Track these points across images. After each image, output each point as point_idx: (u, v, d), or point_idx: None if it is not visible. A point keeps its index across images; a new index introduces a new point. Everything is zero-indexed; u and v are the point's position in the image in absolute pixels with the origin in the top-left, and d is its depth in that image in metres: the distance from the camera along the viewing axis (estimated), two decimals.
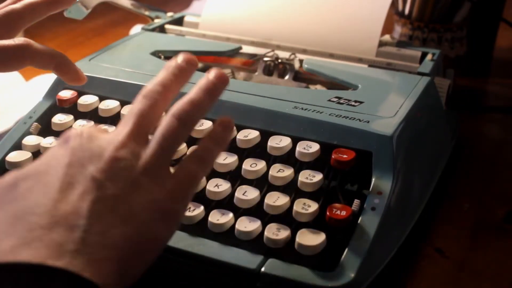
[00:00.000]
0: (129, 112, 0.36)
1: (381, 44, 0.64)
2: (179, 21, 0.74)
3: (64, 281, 0.28)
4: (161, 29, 0.72)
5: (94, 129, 0.35)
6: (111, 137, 0.34)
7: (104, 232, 0.30)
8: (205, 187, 0.46)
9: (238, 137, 0.48)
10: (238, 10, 0.69)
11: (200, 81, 0.37)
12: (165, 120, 0.35)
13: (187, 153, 0.37)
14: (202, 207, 0.45)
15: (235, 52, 0.66)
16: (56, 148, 0.34)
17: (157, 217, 0.33)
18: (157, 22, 0.73)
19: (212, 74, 0.37)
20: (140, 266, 0.32)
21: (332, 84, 0.59)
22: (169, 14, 0.75)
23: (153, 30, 0.71)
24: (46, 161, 0.33)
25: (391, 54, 0.64)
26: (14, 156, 0.51)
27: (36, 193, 0.31)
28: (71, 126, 0.54)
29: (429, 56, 0.63)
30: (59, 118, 0.54)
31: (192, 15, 0.75)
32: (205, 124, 0.49)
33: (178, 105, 0.36)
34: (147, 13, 0.75)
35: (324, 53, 0.64)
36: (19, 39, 0.47)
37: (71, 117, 0.54)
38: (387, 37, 0.65)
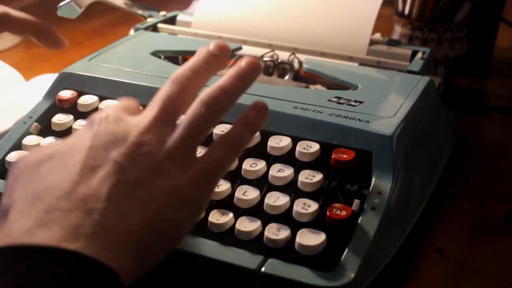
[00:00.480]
0: (157, 96, 0.35)
1: (372, 42, 0.64)
2: (172, 20, 0.74)
3: (78, 264, 0.28)
4: (153, 28, 0.72)
5: (121, 111, 0.35)
6: (137, 121, 0.34)
7: (122, 217, 0.30)
8: None
9: None
10: (230, 9, 0.69)
11: (232, 68, 0.37)
12: (193, 106, 0.35)
13: (216, 138, 0.36)
14: None
15: (236, 50, 0.66)
16: (82, 130, 0.34)
17: (177, 204, 0.32)
18: (150, 21, 0.73)
19: (244, 61, 0.37)
20: (158, 253, 0.32)
21: (332, 84, 0.59)
22: (162, 13, 0.75)
23: (145, 29, 0.71)
24: (71, 143, 0.33)
25: (381, 53, 0.64)
26: (14, 156, 0.51)
27: (57, 174, 0.31)
28: (71, 127, 0.54)
29: (419, 55, 0.63)
30: (59, 118, 0.54)
31: (185, 14, 0.75)
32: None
33: (208, 91, 0.35)
34: (140, 12, 0.75)
35: (315, 52, 0.64)
36: None
37: (71, 117, 0.54)
38: (377, 36, 0.65)
